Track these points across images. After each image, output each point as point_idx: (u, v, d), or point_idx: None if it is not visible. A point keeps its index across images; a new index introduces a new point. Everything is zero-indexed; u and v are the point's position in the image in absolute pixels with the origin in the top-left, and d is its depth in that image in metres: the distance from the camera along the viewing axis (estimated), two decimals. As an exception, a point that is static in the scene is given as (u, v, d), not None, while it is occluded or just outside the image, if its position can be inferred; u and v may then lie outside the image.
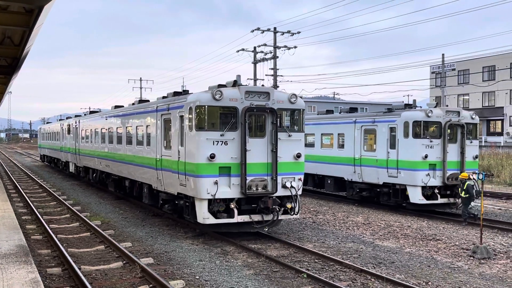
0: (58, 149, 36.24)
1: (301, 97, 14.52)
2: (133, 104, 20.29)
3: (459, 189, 17.28)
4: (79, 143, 28.42)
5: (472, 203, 17.07)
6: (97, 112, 28.06)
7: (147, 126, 16.70)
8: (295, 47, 42.22)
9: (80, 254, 12.12)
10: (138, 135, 17.71)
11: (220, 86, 13.54)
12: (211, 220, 12.78)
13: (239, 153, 12.88)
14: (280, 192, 13.33)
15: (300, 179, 13.68)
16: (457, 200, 18.41)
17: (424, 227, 16.23)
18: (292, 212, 13.53)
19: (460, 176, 17.44)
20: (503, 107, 60.59)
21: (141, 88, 73.64)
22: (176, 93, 15.54)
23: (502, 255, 12.61)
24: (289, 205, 13.40)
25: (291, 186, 13.34)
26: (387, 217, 18.12)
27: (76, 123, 29.64)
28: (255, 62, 43.48)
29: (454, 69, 63.93)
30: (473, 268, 11.36)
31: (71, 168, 31.41)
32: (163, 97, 16.53)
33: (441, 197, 18.09)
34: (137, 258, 11.23)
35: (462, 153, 18.52)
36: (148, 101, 19.58)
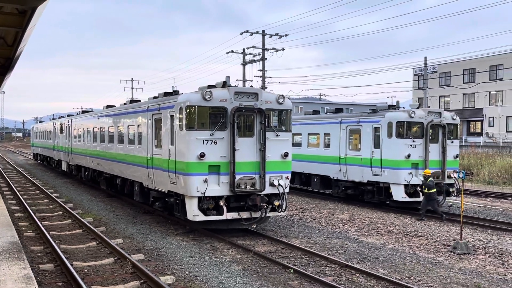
0: (50, 147, 35.90)
1: (288, 98, 14.53)
2: (124, 104, 20.15)
3: (423, 185, 17.42)
4: (71, 142, 28.19)
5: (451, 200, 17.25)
6: (89, 111, 27.85)
7: (138, 125, 16.61)
8: (283, 49, 42.29)
9: (72, 251, 12.02)
10: (130, 134, 17.60)
11: (210, 86, 13.52)
12: (201, 217, 12.75)
13: (228, 152, 12.87)
14: (268, 190, 13.33)
15: (287, 178, 13.69)
16: (438, 198, 18.56)
17: (407, 224, 16.35)
18: (280, 210, 13.54)
19: (423, 173, 17.53)
20: (482, 109, 61.19)
21: (132, 88, 73.22)
22: (167, 93, 15.47)
23: (481, 250, 12.74)
24: (276, 203, 13.41)
25: (279, 184, 13.36)
26: (371, 214, 18.22)
27: (68, 122, 29.39)
28: (244, 64, 43.45)
29: (436, 72, 64.55)
30: (453, 263, 11.47)
31: (64, 167, 31.15)
32: (154, 97, 16.45)
33: (423, 195, 18.20)
34: (128, 254, 11.17)
35: (443, 152, 18.67)
36: (139, 101, 19.45)
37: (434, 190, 17.18)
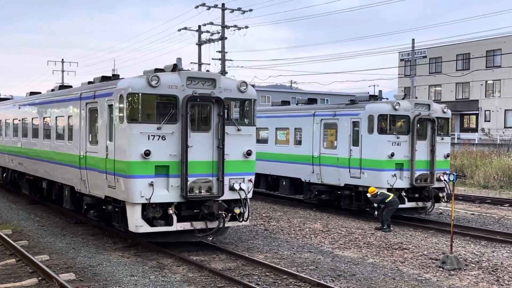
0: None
1: (252, 86, 14.58)
2: (52, 90, 19.82)
3: (377, 204, 17.60)
4: (-15, 137, 27.41)
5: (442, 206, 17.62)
6: (8, 99, 27.21)
7: (69, 116, 16.35)
8: (247, 27, 42.41)
9: (-15, 270, 11.71)
10: (58, 127, 17.32)
11: (157, 70, 13.43)
12: (145, 228, 12.66)
13: (179, 150, 12.82)
14: (227, 195, 13.35)
15: (250, 180, 13.75)
16: (426, 204, 19.02)
17: (389, 235, 16.70)
18: (241, 218, 13.58)
19: (369, 192, 17.58)
20: (478, 100, 62.73)
21: (63, 71, 72.11)
22: (104, 78, 15.30)
23: (474, 265, 13.15)
24: (237, 211, 13.45)
25: (240, 189, 13.40)
26: (348, 223, 18.51)
27: (-18, 112, 28.55)
28: (200, 44, 43.28)
29: (425, 57, 65.86)
30: (442, 281, 11.79)
31: (-24, 167, 30.24)
32: (89, 83, 16.26)
33: (408, 201, 18.59)
34: (56, 273, 10.99)
35: (432, 151, 19.11)
36: (71, 87, 19.20)
37: (391, 196, 17.44)
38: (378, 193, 17.48)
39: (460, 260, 13.02)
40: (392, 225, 17.95)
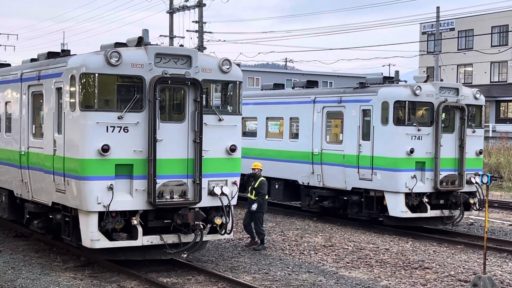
0: None
1: (237, 65, 14.61)
2: (-15, 69, 19.69)
3: (249, 188, 16.96)
4: None
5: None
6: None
7: (6, 103, 16.35)
8: (230, -9, 42.26)
9: None
10: (-7, 116, 17.25)
11: (118, 45, 13.42)
12: (103, 242, 12.66)
13: (145, 145, 12.83)
14: (206, 201, 13.40)
15: (234, 183, 13.81)
16: (453, 213, 19.11)
17: (408, 251, 16.80)
18: (223, 231, 13.62)
19: (253, 167, 17.16)
20: (518, 84, 63.03)
21: (-2, 45, 71.53)
22: (51, 54, 15.25)
23: (512, 288, 13.28)
24: (218, 221, 13.48)
25: (222, 193, 13.44)
26: (357, 237, 18.59)
27: None
28: (172, 12, 43.15)
29: (453, 29, 65.96)
30: (472, 307, 11.88)
31: None
32: (32, 60, 16.24)
33: (431, 209, 18.68)
34: (-10, 300, 10.97)
35: (461, 146, 19.18)
36: (9, 65, 19.08)
37: (266, 197, 17.37)
38: (259, 181, 16.70)
39: (495, 282, 13.11)
40: (411, 239, 18.00)
